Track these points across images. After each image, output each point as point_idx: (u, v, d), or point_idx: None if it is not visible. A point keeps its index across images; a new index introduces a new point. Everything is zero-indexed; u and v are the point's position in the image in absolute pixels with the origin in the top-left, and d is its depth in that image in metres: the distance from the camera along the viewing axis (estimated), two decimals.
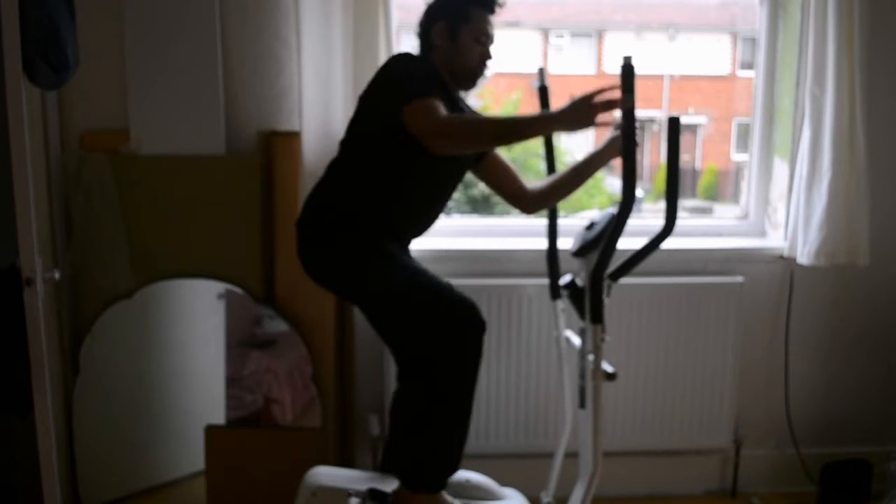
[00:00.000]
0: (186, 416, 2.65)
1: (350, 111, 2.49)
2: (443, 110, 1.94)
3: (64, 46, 1.99)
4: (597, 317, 2.09)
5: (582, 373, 2.18)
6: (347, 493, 2.11)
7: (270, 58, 2.58)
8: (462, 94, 2.23)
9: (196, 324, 2.68)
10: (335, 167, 2.13)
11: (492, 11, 2.15)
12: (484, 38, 2.14)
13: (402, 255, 2.11)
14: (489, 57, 2.16)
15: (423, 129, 1.92)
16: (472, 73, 2.16)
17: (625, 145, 1.96)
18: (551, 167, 2.40)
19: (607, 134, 2.28)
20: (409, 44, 2.77)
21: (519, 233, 2.88)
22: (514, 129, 1.97)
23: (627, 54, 1.90)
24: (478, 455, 2.73)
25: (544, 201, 2.35)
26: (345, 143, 2.15)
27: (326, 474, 2.23)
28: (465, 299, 2.00)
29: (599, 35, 4.21)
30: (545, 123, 2.04)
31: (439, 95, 1.97)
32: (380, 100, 2.05)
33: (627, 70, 1.91)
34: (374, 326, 2.13)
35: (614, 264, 2.11)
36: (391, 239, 2.10)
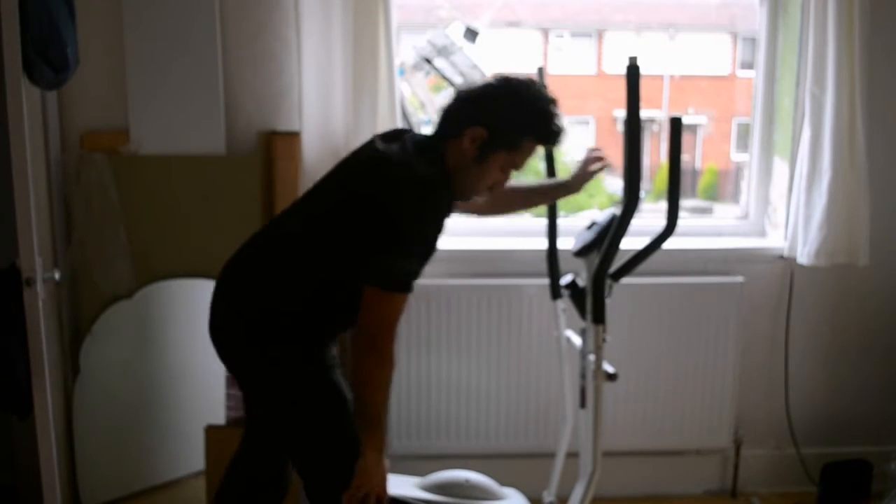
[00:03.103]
0: (186, 416, 2.65)
1: (350, 111, 2.50)
2: (398, 321, 1.68)
3: (64, 46, 1.99)
4: (599, 317, 2.09)
5: (583, 373, 2.18)
6: None
7: (270, 58, 2.58)
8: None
9: (196, 324, 2.66)
10: (286, 258, 1.77)
11: (549, 144, 1.84)
12: (512, 168, 1.82)
13: (342, 390, 1.80)
14: (500, 189, 1.86)
15: (366, 328, 1.67)
16: (470, 193, 1.83)
17: (628, 146, 1.96)
18: (551, 167, 2.39)
19: (574, 167, 2.23)
20: (408, 43, 2.78)
21: (519, 233, 2.88)
22: (374, 411, 1.69)
23: (632, 55, 1.91)
24: (478, 455, 2.74)
25: (492, 210, 2.21)
26: (299, 231, 1.78)
27: None
28: None
29: (599, 35, 4.20)
30: (376, 436, 1.71)
31: (415, 281, 1.70)
32: (352, 239, 1.70)
33: (633, 71, 1.91)
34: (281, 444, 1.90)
35: (616, 264, 2.11)
36: (332, 340, 1.87)
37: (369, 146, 1.83)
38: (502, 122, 1.74)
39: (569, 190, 2.22)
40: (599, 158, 2.19)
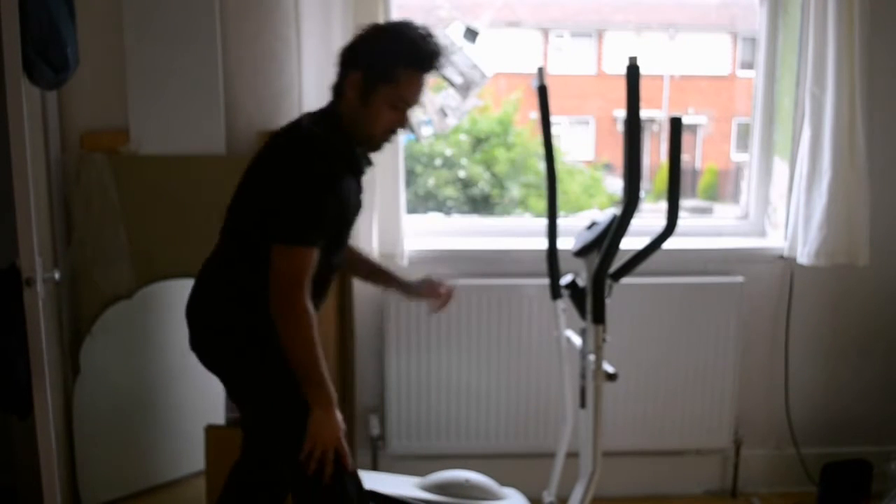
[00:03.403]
0: (186, 416, 2.65)
1: None
2: (309, 272, 1.70)
3: (64, 46, 1.99)
4: (599, 317, 2.09)
5: (583, 373, 2.18)
6: None
7: (270, 58, 2.57)
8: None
9: None
10: (234, 257, 1.85)
11: (427, 72, 1.78)
12: (402, 105, 1.78)
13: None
14: (403, 126, 1.82)
15: (275, 286, 1.69)
16: (372, 140, 1.82)
17: (628, 146, 1.96)
18: (551, 167, 2.39)
19: (422, 280, 2.13)
20: None
21: (519, 233, 2.88)
22: (308, 367, 1.71)
23: (632, 55, 1.91)
24: (478, 455, 2.74)
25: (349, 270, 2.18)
26: (238, 232, 1.85)
27: None
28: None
29: (599, 35, 4.20)
30: (318, 392, 1.73)
31: (322, 237, 1.73)
32: (260, 207, 1.76)
33: (633, 71, 1.91)
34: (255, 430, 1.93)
35: (616, 264, 2.11)
36: None
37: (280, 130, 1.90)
38: (372, 59, 1.76)
39: (404, 291, 2.13)
40: (441, 301, 2.11)
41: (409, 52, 1.76)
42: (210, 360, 1.87)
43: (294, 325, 1.70)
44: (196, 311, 1.88)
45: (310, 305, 1.71)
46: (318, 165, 1.71)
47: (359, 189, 1.87)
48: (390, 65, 1.75)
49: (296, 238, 1.70)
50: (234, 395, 1.95)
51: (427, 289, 2.11)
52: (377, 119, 1.77)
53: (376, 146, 1.85)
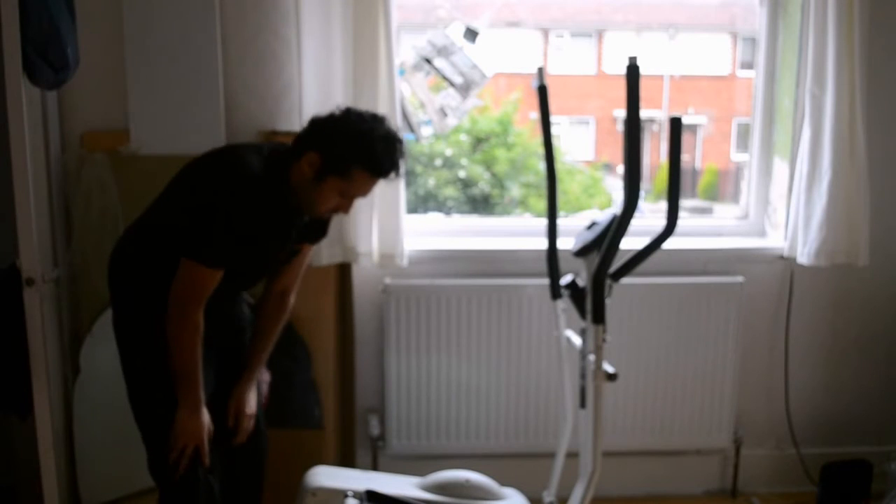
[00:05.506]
0: None
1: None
2: (208, 289, 1.83)
3: (64, 46, 1.99)
4: (598, 317, 2.09)
5: (583, 373, 2.18)
6: (346, 494, 2.11)
7: (270, 57, 2.57)
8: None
9: None
10: (154, 241, 1.92)
11: (380, 178, 1.86)
12: (349, 197, 1.88)
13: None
14: (345, 212, 1.93)
15: (175, 292, 1.82)
16: (313, 212, 1.92)
17: (628, 146, 1.96)
18: (551, 167, 2.39)
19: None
20: (408, 43, 2.78)
21: (519, 233, 2.88)
22: (183, 367, 1.85)
23: (632, 55, 1.91)
24: (478, 455, 2.74)
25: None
26: (162, 225, 1.92)
27: (326, 474, 2.23)
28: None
29: (599, 35, 4.21)
30: (188, 393, 1.87)
31: (228, 264, 1.84)
32: (185, 214, 1.84)
33: (633, 71, 1.91)
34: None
35: (615, 264, 2.11)
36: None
37: (228, 146, 1.98)
38: (333, 149, 1.82)
39: (241, 379, 2.10)
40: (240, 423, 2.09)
41: (367, 155, 1.83)
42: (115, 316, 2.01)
43: (180, 330, 1.84)
44: (113, 268, 1.98)
45: (200, 317, 1.84)
46: (246, 205, 1.81)
47: (284, 236, 1.95)
48: (346, 162, 1.82)
49: (202, 259, 1.81)
50: (124, 361, 2.03)
51: (236, 407, 2.07)
52: (323, 200, 1.87)
53: (315, 214, 1.95)
